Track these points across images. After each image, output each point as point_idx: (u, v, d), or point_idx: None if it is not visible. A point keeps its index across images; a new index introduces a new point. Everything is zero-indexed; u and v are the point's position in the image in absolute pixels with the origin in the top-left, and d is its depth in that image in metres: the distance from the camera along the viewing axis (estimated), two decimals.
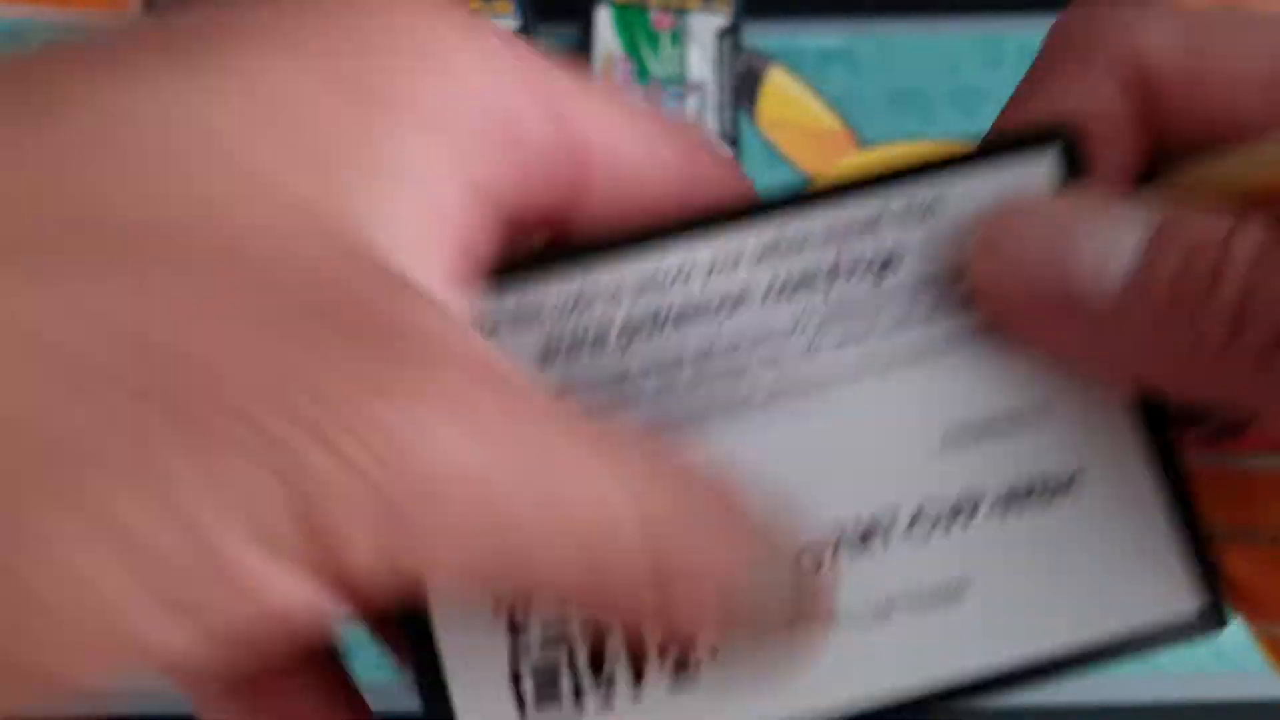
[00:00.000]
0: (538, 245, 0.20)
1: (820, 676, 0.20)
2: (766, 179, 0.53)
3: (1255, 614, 0.21)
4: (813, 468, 0.20)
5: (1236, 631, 0.44)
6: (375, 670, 0.43)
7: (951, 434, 0.20)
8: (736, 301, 0.20)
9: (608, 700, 0.19)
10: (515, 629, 0.19)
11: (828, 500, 0.20)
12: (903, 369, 0.20)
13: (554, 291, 0.19)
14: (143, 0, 0.54)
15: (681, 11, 0.55)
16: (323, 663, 0.21)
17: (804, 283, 0.20)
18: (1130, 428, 0.20)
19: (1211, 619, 0.20)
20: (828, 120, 0.54)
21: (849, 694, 0.20)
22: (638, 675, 0.20)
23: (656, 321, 0.20)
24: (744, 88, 0.54)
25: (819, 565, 0.20)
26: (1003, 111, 0.21)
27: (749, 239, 0.20)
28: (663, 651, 0.19)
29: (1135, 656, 0.20)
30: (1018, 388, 0.20)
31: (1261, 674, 0.44)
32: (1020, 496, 0.20)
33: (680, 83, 0.53)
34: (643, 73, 0.53)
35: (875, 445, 0.20)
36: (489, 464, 0.15)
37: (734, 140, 0.53)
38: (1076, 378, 0.20)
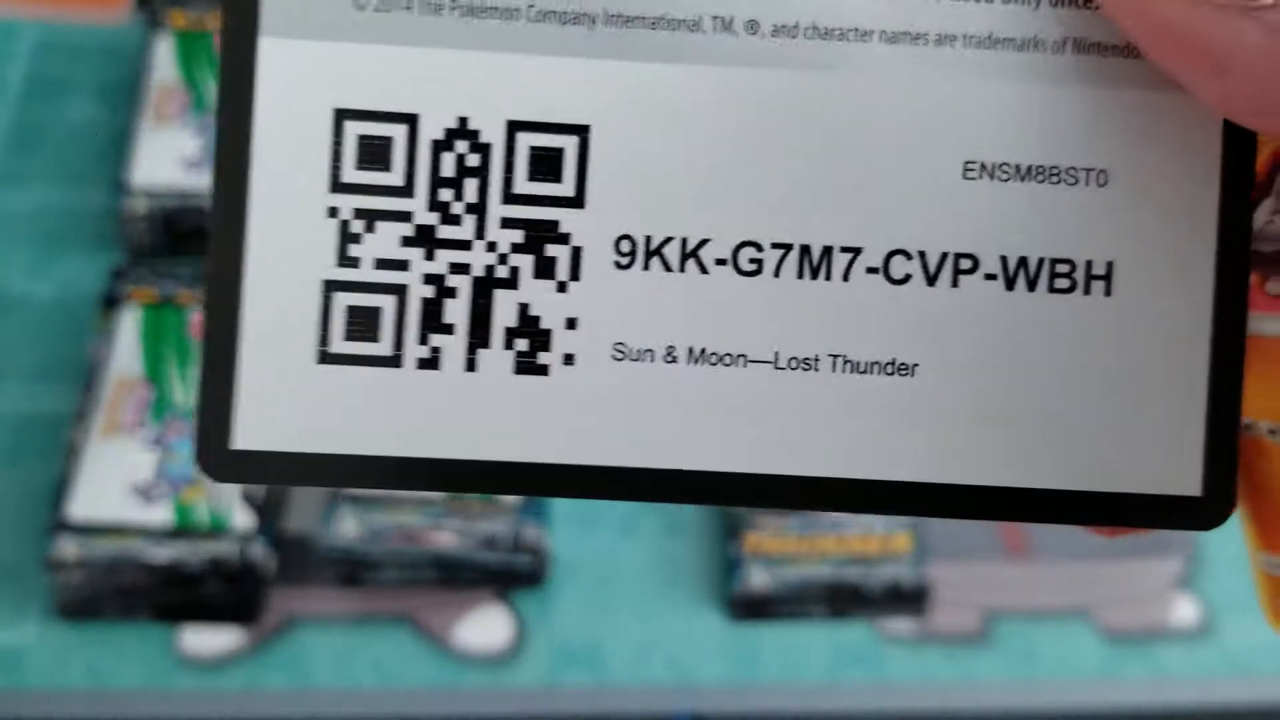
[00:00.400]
0: None
1: (715, 426, 0.16)
2: None
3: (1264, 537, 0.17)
4: (786, 142, 0.15)
5: (1241, 635, 0.44)
6: (374, 672, 0.43)
7: (978, 168, 0.16)
8: None
9: (434, 361, 0.16)
10: (348, 237, 0.16)
11: (794, 192, 0.16)
12: (956, 59, 0.15)
13: None
14: (135, 0, 0.53)
15: None
16: None
17: None
18: (1203, 237, 0.15)
19: (1213, 511, 0.16)
20: None
21: (749, 456, 0.16)
22: (478, 344, 0.16)
23: None
24: None
25: (755, 266, 0.16)
26: None
27: None
28: (518, 331, 0.16)
29: (1102, 522, 0.16)
30: (1080, 141, 0.15)
31: (1268, 678, 0.44)
32: (1033, 274, 0.16)
33: None
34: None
35: (877, 144, 0.15)
36: None
37: None
38: (1154, 150, 0.15)
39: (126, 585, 0.42)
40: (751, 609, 0.44)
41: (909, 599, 0.44)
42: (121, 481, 0.42)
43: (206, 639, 0.43)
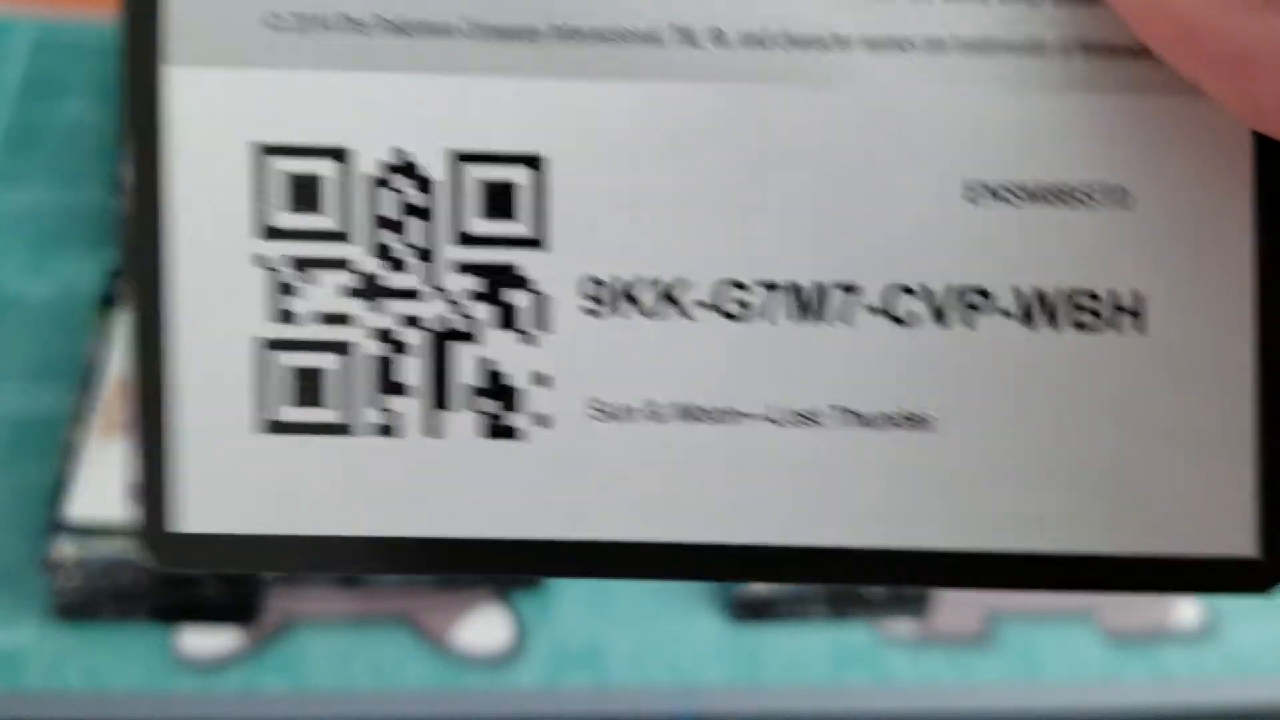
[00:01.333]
0: None
1: (707, 492, 0.14)
2: None
3: None
4: (762, 166, 0.14)
5: (1244, 636, 0.43)
6: (373, 673, 0.43)
7: (981, 189, 0.14)
8: None
9: (394, 427, 0.14)
10: (281, 289, 0.14)
11: (777, 223, 0.14)
12: (949, 66, 0.14)
13: None
14: None
15: None
16: None
17: None
18: (1238, 261, 0.14)
19: (1271, 573, 0.14)
20: None
21: (747, 525, 0.14)
22: (438, 406, 0.14)
23: None
24: None
25: (742, 308, 0.14)
26: None
27: None
28: (483, 390, 0.14)
29: (1147, 590, 0.14)
30: (1095, 155, 0.14)
31: (1271, 679, 0.44)
32: (1053, 308, 0.14)
33: None
34: None
35: (865, 166, 0.14)
36: None
37: None
38: (1179, 163, 0.14)
39: (125, 586, 0.42)
40: (752, 610, 0.44)
41: (910, 600, 0.44)
42: (120, 482, 0.42)
43: (205, 640, 0.43)
